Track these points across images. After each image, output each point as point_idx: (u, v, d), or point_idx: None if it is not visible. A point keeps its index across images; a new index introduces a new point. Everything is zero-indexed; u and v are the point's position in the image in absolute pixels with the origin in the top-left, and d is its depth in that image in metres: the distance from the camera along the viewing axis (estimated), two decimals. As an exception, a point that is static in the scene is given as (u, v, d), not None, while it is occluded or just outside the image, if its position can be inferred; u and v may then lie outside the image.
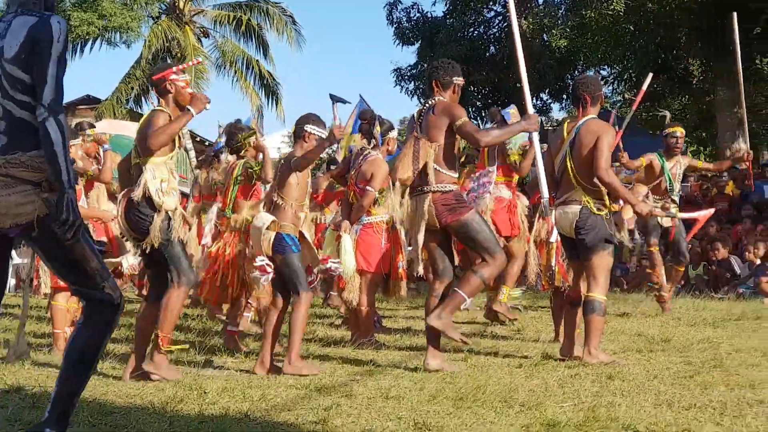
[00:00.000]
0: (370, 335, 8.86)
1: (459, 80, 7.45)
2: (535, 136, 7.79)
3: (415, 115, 7.49)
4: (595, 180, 7.36)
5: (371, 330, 8.98)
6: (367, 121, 9.56)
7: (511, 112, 10.04)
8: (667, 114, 11.43)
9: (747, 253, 13.83)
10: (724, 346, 8.06)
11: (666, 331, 9.13)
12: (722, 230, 15.49)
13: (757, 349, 7.81)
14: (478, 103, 29.12)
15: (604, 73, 30.00)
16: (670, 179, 11.02)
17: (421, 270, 7.91)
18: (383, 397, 6.00)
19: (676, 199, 11.17)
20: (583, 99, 7.65)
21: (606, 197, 7.49)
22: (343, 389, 6.31)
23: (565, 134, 7.64)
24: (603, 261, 7.45)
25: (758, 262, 13.64)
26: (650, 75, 10.17)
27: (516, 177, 10.04)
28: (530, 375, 6.85)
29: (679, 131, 11.21)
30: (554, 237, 8.72)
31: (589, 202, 7.42)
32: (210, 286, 8.82)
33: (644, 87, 10.30)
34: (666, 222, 10.95)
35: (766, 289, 12.35)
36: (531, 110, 7.82)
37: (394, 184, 7.67)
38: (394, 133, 9.47)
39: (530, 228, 9.62)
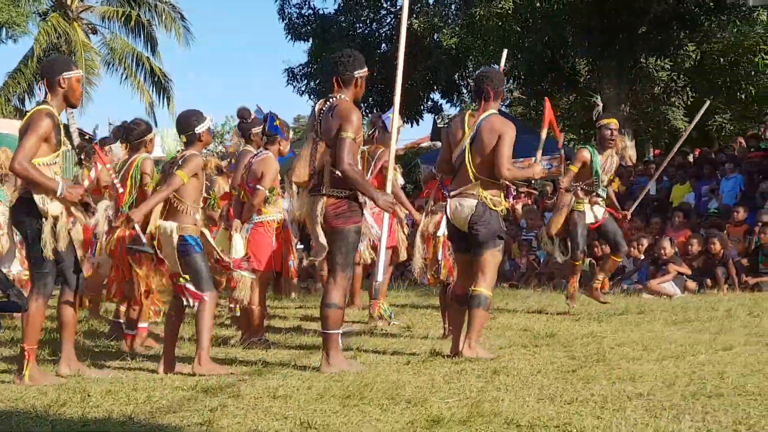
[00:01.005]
0: (260, 334, 8.83)
1: (361, 73, 7.27)
2: (387, 217, 7.72)
3: (315, 111, 7.33)
4: (496, 173, 7.43)
5: (261, 329, 8.95)
6: (245, 119, 9.56)
7: (391, 116, 10.09)
8: (599, 103, 11.04)
9: (632, 249, 14.12)
10: (607, 341, 8.23)
11: (551, 326, 9.30)
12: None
13: (639, 343, 8.00)
14: (370, 99, 29.22)
15: (482, 69, 30.44)
16: (597, 172, 10.64)
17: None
18: (270, 397, 5.99)
19: (602, 194, 10.81)
20: (486, 92, 7.64)
21: (503, 194, 7.60)
22: (230, 390, 6.27)
23: (467, 128, 7.61)
24: (493, 257, 7.56)
25: (642, 257, 13.95)
26: (505, 51, 10.19)
27: None
28: (418, 372, 6.91)
29: (614, 123, 10.85)
30: (441, 231, 8.78)
31: (486, 198, 7.47)
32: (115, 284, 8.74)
33: (502, 63, 10.20)
34: (590, 218, 10.69)
35: (653, 287, 12.60)
36: (396, 124, 7.92)
37: (291, 184, 7.59)
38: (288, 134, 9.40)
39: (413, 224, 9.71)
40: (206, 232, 7.65)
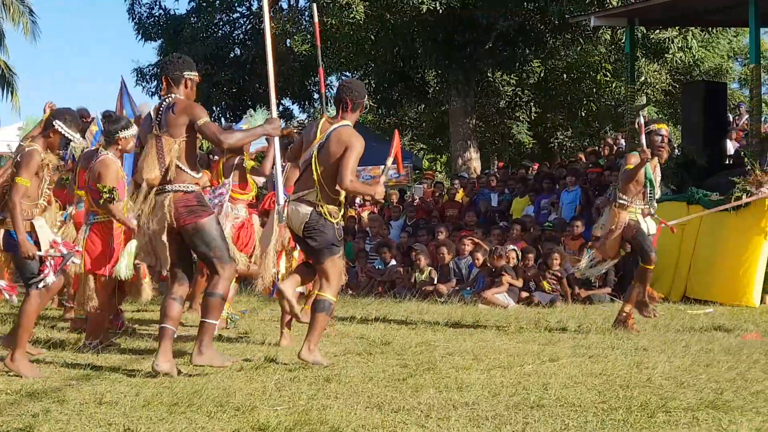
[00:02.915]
0: (98, 338, 8.64)
1: (191, 75, 7.32)
2: (277, 141, 7.81)
3: (152, 113, 7.30)
4: (336, 188, 7.49)
5: (100, 332, 8.76)
6: (84, 118, 9.39)
7: (243, 126, 10.10)
8: (645, 107, 10.34)
9: (475, 261, 14.29)
10: (440, 350, 8.38)
11: (387, 334, 9.41)
12: (450, 236, 16.02)
13: (470, 352, 8.17)
14: (223, 104, 29.01)
15: (345, 79, 30.58)
16: (651, 183, 9.73)
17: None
18: (96, 403, 5.91)
19: (654, 207, 9.92)
20: (344, 102, 7.70)
21: (341, 207, 7.66)
22: (55, 394, 6.15)
23: (319, 133, 7.64)
24: (334, 264, 7.62)
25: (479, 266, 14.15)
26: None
27: (251, 193, 10.15)
28: (250, 378, 6.91)
29: (665, 129, 9.85)
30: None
31: (322, 207, 7.50)
32: None
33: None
34: (653, 229, 9.83)
35: (488, 298, 12.85)
36: (275, 113, 7.94)
37: (139, 185, 7.46)
38: (130, 132, 9.18)
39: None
40: (38, 226, 7.41)
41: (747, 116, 17.38)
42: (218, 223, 7.33)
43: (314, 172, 7.55)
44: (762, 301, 12.45)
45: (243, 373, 7.11)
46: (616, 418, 5.56)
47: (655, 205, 9.93)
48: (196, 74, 7.42)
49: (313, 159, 7.58)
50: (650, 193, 9.77)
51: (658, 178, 9.97)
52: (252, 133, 7.58)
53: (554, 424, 5.45)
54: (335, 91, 8.07)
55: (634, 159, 9.65)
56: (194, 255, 7.41)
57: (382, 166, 8.45)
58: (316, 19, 10.36)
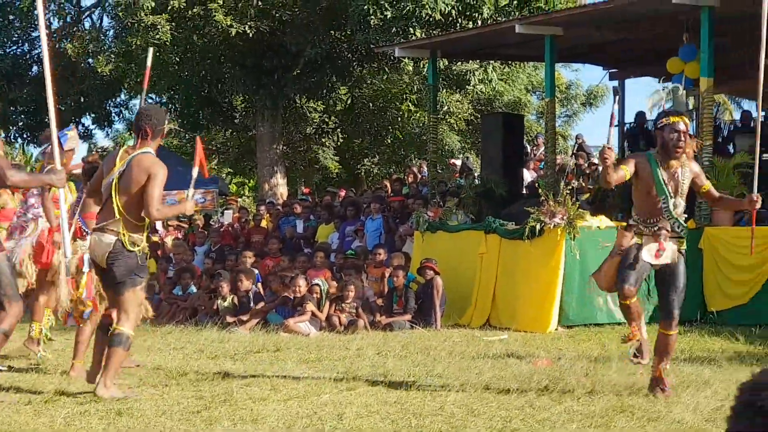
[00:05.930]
0: None
1: None
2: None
3: None
4: (142, 215, 7.40)
5: None
6: None
7: (69, 134, 9.81)
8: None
9: (297, 288, 14.10)
10: (238, 380, 8.30)
11: (186, 365, 9.27)
12: (255, 263, 15.94)
13: (268, 382, 8.12)
14: (20, 123, 28.21)
15: (150, 101, 30.18)
16: (665, 191, 7.45)
17: None
18: None
19: (678, 228, 7.57)
20: (144, 131, 7.57)
21: (144, 233, 7.54)
22: None
23: (118, 161, 7.52)
24: (134, 296, 7.51)
25: (285, 294, 14.09)
26: (151, 49, 10.04)
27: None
28: (38, 412, 6.71)
29: (683, 123, 7.47)
30: (86, 267, 8.57)
31: (124, 236, 7.38)
32: None
33: (148, 62, 9.94)
34: (647, 256, 7.44)
35: (290, 326, 12.79)
36: (55, 134, 7.73)
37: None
38: None
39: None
40: None
41: (543, 147, 18.03)
42: (9, 260, 7.10)
43: (114, 202, 7.42)
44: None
45: (31, 407, 6.89)
46: (407, 448, 5.65)
47: (680, 221, 7.62)
48: None
49: (113, 188, 7.45)
50: (664, 205, 7.51)
51: (687, 181, 7.56)
52: (37, 179, 7.40)
53: (346, 455, 5.50)
54: (134, 119, 7.95)
55: (634, 160, 7.62)
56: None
57: (190, 187, 8.36)
58: (149, 63, 9.98)
